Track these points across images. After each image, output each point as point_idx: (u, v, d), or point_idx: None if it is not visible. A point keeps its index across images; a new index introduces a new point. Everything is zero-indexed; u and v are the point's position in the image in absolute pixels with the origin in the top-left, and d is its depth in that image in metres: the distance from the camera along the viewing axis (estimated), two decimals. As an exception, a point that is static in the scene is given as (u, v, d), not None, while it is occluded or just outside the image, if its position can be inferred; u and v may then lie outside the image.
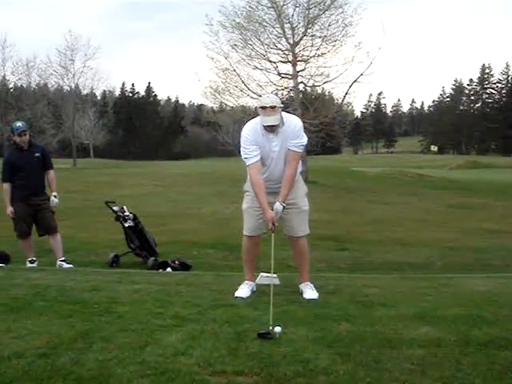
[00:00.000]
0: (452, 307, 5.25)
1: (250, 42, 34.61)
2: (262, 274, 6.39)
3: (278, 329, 4.26)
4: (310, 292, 5.73)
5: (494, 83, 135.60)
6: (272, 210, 5.44)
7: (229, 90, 35.43)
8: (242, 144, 5.63)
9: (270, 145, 5.58)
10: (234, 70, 34.61)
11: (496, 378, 3.50)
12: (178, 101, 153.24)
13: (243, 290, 5.79)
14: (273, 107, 5.40)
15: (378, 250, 12.64)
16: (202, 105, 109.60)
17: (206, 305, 5.25)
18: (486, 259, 11.74)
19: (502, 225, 18.45)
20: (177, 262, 9.94)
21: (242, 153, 5.63)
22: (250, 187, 5.78)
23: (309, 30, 34.73)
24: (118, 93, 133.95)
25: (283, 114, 5.59)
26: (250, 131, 5.63)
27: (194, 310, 5.05)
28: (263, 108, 5.44)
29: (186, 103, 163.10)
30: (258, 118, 5.64)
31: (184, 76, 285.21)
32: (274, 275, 5.81)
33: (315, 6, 34.22)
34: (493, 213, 22.82)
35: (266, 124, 5.47)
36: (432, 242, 14.11)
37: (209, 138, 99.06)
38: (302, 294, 5.76)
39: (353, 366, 3.67)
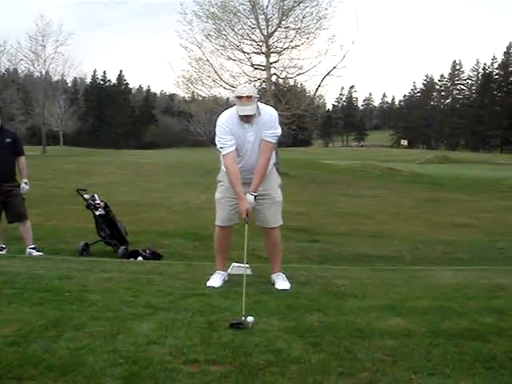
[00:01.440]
0: (422, 299, 5.30)
1: (224, 33, 34.63)
2: (234, 264, 6.40)
3: (250, 318, 4.27)
4: (282, 282, 5.74)
5: (465, 79, 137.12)
6: None
7: (201, 80, 35.42)
8: (217, 134, 5.61)
9: (245, 135, 5.56)
10: (207, 60, 34.60)
11: (465, 368, 3.55)
12: (149, 90, 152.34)
13: (215, 280, 5.79)
14: (249, 97, 5.39)
15: (349, 242, 12.72)
16: (173, 94, 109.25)
17: (177, 294, 5.23)
18: (455, 252, 11.89)
19: (470, 219, 18.71)
20: (148, 252, 9.91)
21: (216, 142, 5.61)
22: (223, 177, 5.78)
23: (283, 22, 34.83)
24: (89, 80, 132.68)
25: (259, 104, 5.58)
26: (226, 121, 5.60)
27: (166, 299, 5.03)
28: (239, 98, 5.41)
29: (158, 92, 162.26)
30: (233, 108, 5.62)
31: (156, 65, 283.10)
32: (247, 265, 5.81)
33: (290, -2, 34.30)
34: (461, 207, 23.15)
35: (241, 114, 5.45)
36: (402, 235, 14.26)
37: (180, 128, 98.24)
38: (274, 284, 5.77)
39: (325, 355, 3.70)
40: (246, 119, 5.49)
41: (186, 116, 73.52)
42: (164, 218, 15.43)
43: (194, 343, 3.84)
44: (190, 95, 43.41)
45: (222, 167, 5.76)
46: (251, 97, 5.41)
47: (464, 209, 22.53)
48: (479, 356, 3.76)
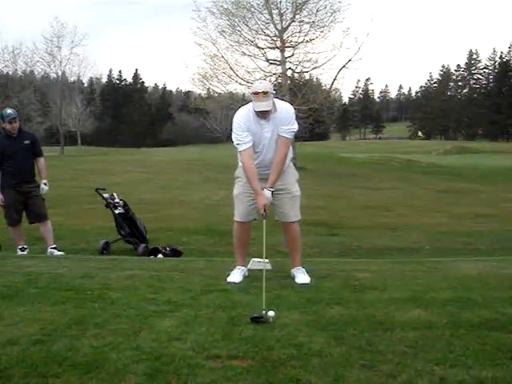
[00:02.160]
0: (443, 290, 5.30)
1: (238, 28, 34.55)
2: (253, 259, 6.41)
3: (271, 313, 4.28)
4: (302, 276, 5.75)
5: (481, 69, 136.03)
6: None
7: (217, 77, 35.38)
8: (233, 130, 5.63)
9: (262, 131, 5.58)
10: (222, 57, 34.55)
11: (487, 359, 3.54)
12: (165, 88, 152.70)
13: (235, 275, 5.82)
14: (265, 93, 5.40)
15: (368, 235, 12.69)
16: (189, 91, 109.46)
17: (198, 290, 5.26)
18: (475, 243, 11.82)
19: (489, 209, 18.60)
20: (168, 249, 9.94)
21: (233, 139, 5.63)
22: (241, 173, 5.79)
23: (297, 16, 34.70)
24: (105, 80, 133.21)
25: (275, 100, 5.61)
26: (242, 117, 5.62)
27: (187, 295, 5.06)
28: (256, 94, 5.43)
29: (174, 90, 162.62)
30: (249, 104, 5.64)
31: (171, 63, 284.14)
32: (266, 260, 5.83)
33: (303, -8, 34.18)
34: (480, 197, 23.00)
35: (258, 110, 5.46)
36: (421, 226, 14.20)
37: (196, 125, 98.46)
38: (294, 278, 5.79)
39: (346, 348, 3.71)
40: (263, 115, 5.50)
41: (202, 113, 73.73)
42: (183, 215, 15.47)
43: (216, 339, 3.86)
44: (205, 92, 43.49)
45: (240, 163, 5.78)
46: (267, 93, 5.41)
47: (483, 199, 22.38)
48: (502, 347, 3.76)
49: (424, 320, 4.31)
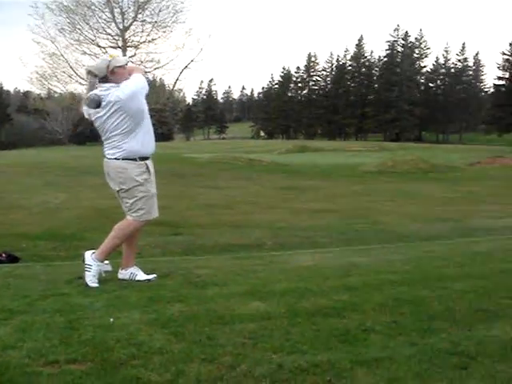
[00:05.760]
0: (281, 282, 5.46)
1: (79, 27, 33.44)
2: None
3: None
4: (143, 274, 5.70)
5: (320, 71, 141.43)
6: None
7: (56, 76, 34.06)
8: (142, 81, 5.52)
9: None
10: (62, 56, 33.33)
11: (322, 344, 3.70)
12: (2, 87, 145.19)
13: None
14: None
15: (211, 233, 12.80)
16: (28, 91, 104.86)
17: (35, 295, 5.05)
18: (315, 237, 12.28)
19: (327, 204, 19.41)
20: (4, 255, 9.48)
21: (143, 84, 5.50)
22: (144, 177, 5.54)
23: (139, 16, 34.28)
24: None
25: None
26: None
27: (23, 301, 4.84)
28: (122, 66, 5.45)
29: (12, 90, 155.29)
30: (110, 84, 5.41)
31: (8, 61, 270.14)
32: (106, 261, 5.70)
33: (146, -9, 33.87)
34: (319, 193, 23.96)
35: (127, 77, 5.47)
36: (263, 223, 14.54)
37: (37, 127, 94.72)
38: (134, 277, 5.70)
39: (187, 344, 3.72)
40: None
41: (42, 114, 70.99)
42: (22, 220, 14.80)
43: (54, 344, 3.74)
44: (45, 92, 41.82)
45: (137, 158, 5.49)
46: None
47: (321, 195, 23.33)
48: (335, 331, 3.94)
49: (263, 311, 4.41)
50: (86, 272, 5.48)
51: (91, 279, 5.43)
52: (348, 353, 3.55)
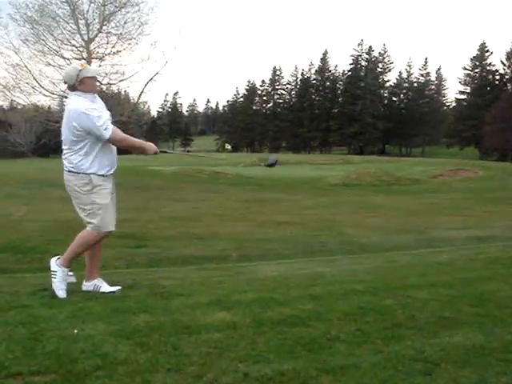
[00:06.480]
0: (246, 292, 5.47)
1: (43, 38, 33.12)
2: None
3: None
4: (107, 286, 5.65)
5: (284, 84, 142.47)
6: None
7: (20, 87, 33.67)
8: (91, 118, 5.26)
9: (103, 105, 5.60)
10: (26, 66, 32.98)
11: (287, 352, 3.73)
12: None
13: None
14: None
15: (176, 245, 12.71)
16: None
17: (-4, 308, 4.97)
18: (279, 249, 12.28)
19: (292, 216, 19.47)
20: (-36, 268, 9.31)
21: (96, 126, 5.27)
22: (101, 181, 5.46)
23: (104, 27, 34.12)
24: None
25: None
26: (87, 102, 5.38)
27: (-16, 314, 4.76)
28: (92, 77, 5.43)
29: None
30: (76, 93, 5.41)
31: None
32: (71, 273, 5.64)
33: (111, 3, 33.71)
34: (284, 206, 24.05)
35: (95, 89, 5.52)
36: (229, 235, 14.50)
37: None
38: (98, 289, 5.65)
39: (153, 354, 3.71)
40: (96, 85, 5.62)
41: (4, 126, 70.04)
42: (-17, 234, 14.55)
43: (16, 356, 3.69)
44: (7, 104, 41.36)
45: (80, 171, 5.40)
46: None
47: (286, 207, 23.40)
48: (300, 340, 3.97)
49: (228, 321, 4.41)
50: (53, 279, 5.45)
51: (58, 285, 5.40)
52: (314, 361, 3.58)
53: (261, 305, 4.89)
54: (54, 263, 5.50)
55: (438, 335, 4.14)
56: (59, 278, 5.43)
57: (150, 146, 5.77)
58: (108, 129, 5.30)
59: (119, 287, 5.64)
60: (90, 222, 5.49)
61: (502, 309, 4.90)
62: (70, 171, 5.42)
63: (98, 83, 5.69)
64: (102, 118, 5.29)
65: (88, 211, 5.47)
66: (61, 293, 5.37)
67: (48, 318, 4.63)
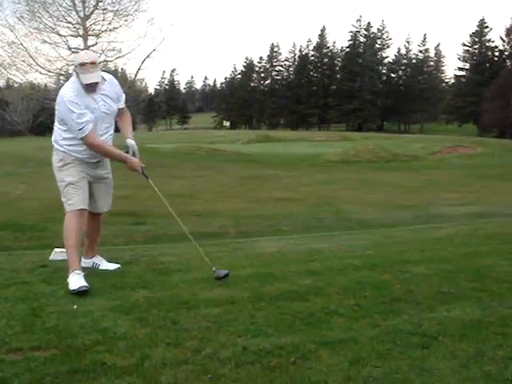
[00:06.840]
0: (244, 268, 5.50)
1: (38, 15, 32.80)
2: (55, 249, 6.18)
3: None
4: (108, 263, 5.64)
5: (282, 61, 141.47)
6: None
7: (16, 65, 33.43)
8: (71, 111, 4.94)
9: (98, 105, 5.09)
10: (21, 44, 32.73)
11: (286, 327, 3.76)
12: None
13: (79, 280, 4.79)
14: (93, 63, 4.93)
15: (174, 222, 12.67)
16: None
17: (-4, 285, 4.99)
18: (278, 225, 12.31)
19: (291, 193, 19.49)
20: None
21: (72, 123, 4.98)
22: (68, 158, 5.18)
23: (100, 4, 33.79)
24: None
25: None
26: (74, 94, 4.98)
27: (-17, 291, 4.78)
28: (83, 65, 4.91)
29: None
30: (73, 79, 5.09)
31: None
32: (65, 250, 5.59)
33: (107, -21, 33.40)
34: (282, 182, 24.04)
35: (88, 82, 4.92)
36: (227, 212, 14.51)
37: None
38: (97, 267, 5.62)
39: (152, 329, 3.75)
40: (92, 88, 4.99)
41: (1, 104, 69.64)
42: (-20, 212, 14.56)
43: (16, 331, 3.73)
44: (4, 82, 41.11)
45: (58, 147, 5.22)
46: (95, 62, 4.97)
47: (285, 184, 23.40)
48: (299, 314, 3.99)
49: (227, 296, 4.44)
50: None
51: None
52: (312, 335, 3.60)
53: (259, 280, 4.91)
54: (82, 263, 5.30)
55: (436, 309, 4.17)
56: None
57: (132, 162, 5.37)
58: (84, 130, 4.95)
59: (118, 265, 5.63)
60: (63, 201, 5.28)
61: (500, 283, 4.93)
62: (52, 146, 5.29)
63: (97, 85, 5.01)
64: (83, 116, 4.95)
65: (60, 189, 5.28)
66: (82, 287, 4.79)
67: (47, 294, 4.65)
